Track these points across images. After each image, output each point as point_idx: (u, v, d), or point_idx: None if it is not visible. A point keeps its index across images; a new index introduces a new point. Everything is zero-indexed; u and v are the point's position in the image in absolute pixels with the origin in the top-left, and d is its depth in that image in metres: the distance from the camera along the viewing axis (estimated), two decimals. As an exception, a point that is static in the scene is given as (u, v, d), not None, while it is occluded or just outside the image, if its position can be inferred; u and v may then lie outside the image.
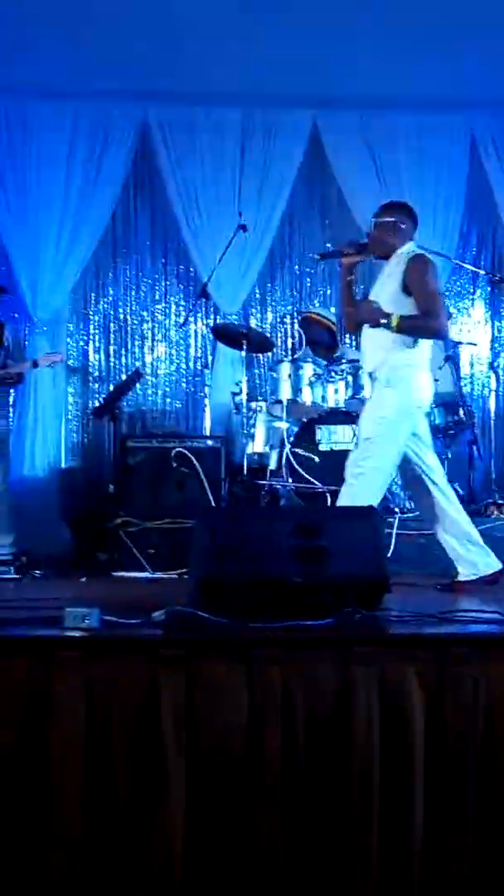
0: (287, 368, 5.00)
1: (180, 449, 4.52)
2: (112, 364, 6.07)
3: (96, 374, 6.05)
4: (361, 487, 3.55)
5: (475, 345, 5.88)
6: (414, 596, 3.35)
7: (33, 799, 2.25)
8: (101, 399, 5.79)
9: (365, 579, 2.60)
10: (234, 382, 5.37)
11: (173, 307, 6.08)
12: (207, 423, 5.48)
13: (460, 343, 5.73)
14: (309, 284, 6.10)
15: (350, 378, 4.95)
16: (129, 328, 6.07)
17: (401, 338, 3.59)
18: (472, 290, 6.15)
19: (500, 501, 4.86)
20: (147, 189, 5.97)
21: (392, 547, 4.16)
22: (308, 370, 4.97)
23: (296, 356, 5.09)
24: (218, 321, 5.85)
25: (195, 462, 4.50)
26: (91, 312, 6.05)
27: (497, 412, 5.85)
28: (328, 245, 6.10)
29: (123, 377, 5.85)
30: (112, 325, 6.07)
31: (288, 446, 4.79)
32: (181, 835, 2.26)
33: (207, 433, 5.39)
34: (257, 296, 6.07)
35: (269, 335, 5.79)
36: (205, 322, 6.03)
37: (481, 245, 6.09)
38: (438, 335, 3.77)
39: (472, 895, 2.28)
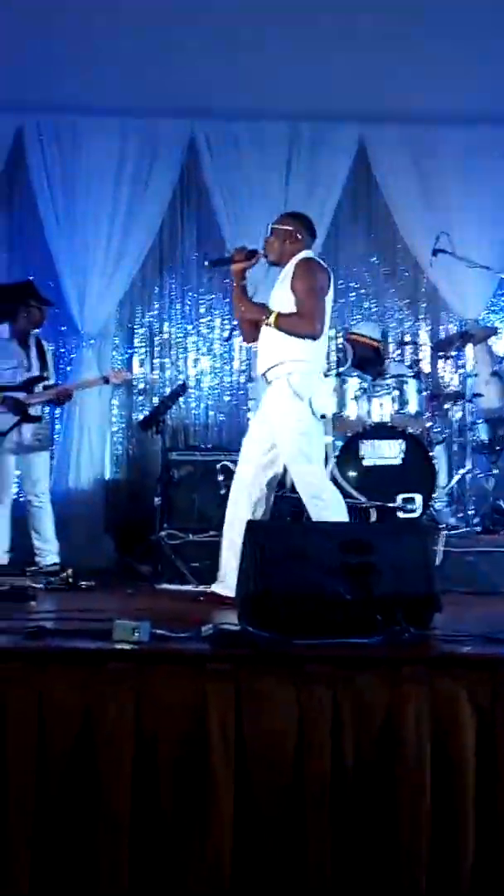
0: (332, 383, 4.98)
1: (226, 462, 4.53)
2: (156, 377, 6.12)
3: (141, 386, 6.11)
4: (328, 500, 3.63)
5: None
6: (463, 614, 3.31)
7: (83, 810, 2.26)
8: (145, 412, 5.84)
9: (415, 597, 2.58)
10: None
11: (217, 321, 6.12)
12: (252, 437, 5.47)
13: (507, 357, 5.67)
14: (353, 298, 6.10)
15: (396, 392, 4.92)
16: (173, 341, 6.12)
17: (299, 345, 3.65)
18: (519, 304, 6.10)
19: (547, 520, 4.79)
20: (193, 203, 6.04)
21: (439, 564, 4.11)
22: (353, 384, 4.95)
23: (341, 370, 5.07)
24: (262, 335, 5.86)
25: (240, 476, 4.49)
26: (136, 326, 6.11)
27: (544, 428, 5.77)
28: (373, 260, 6.12)
29: (167, 390, 5.89)
30: (157, 338, 6.13)
31: (332, 461, 4.77)
32: (229, 849, 2.26)
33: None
34: (302, 310, 6.06)
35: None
36: (249, 337, 6.04)
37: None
38: (308, 333, 3.68)
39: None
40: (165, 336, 6.12)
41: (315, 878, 2.25)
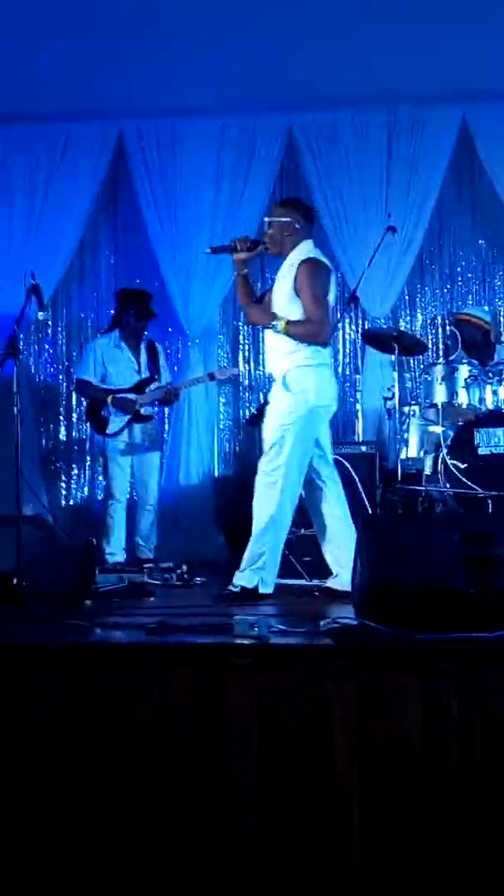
0: (441, 371, 4.85)
1: (336, 455, 4.48)
2: (261, 373, 6.12)
3: (246, 383, 6.13)
4: (280, 499, 3.61)
5: None
6: None
7: (206, 807, 2.28)
8: (252, 408, 5.85)
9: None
10: (385, 387, 5.29)
11: (321, 313, 6.06)
12: (360, 429, 5.42)
13: None
14: (461, 283, 5.94)
15: (509, 378, 4.75)
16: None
17: (306, 346, 3.65)
18: None
19: None
20: (293, 196, 5.98)
21: None
22: (464, 372, 4.81)
23: (450, 358, 4.94)
24: (366, 326, 5.79)
25: (350, 469, 4.45)
26: (241, 323, 6.13)
27: None
28: (481, 242, 5.93)
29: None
30: (261, 334, 6.12)
31: (444, 451, 4.65)
32: (356, 849, 2.23)
33: (359, 439, 5.33)
34: (406, 298, 5.96)
35: (420, 337, 5.67)
36: (353, 327, 5.98)
37: None
38: (318, 340, 3.72)
39: None
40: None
41: (444, 879, 2.19)
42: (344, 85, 5.31)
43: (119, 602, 3.49)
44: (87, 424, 5.51)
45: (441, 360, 5.10)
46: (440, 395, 4.82)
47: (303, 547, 4.43)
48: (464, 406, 4.78)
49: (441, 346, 5.85)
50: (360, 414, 5.46)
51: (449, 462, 4.59)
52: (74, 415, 6.09)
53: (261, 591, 3.60)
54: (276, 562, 3.70)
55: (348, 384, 5.90)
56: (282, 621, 2.55)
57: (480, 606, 2.45)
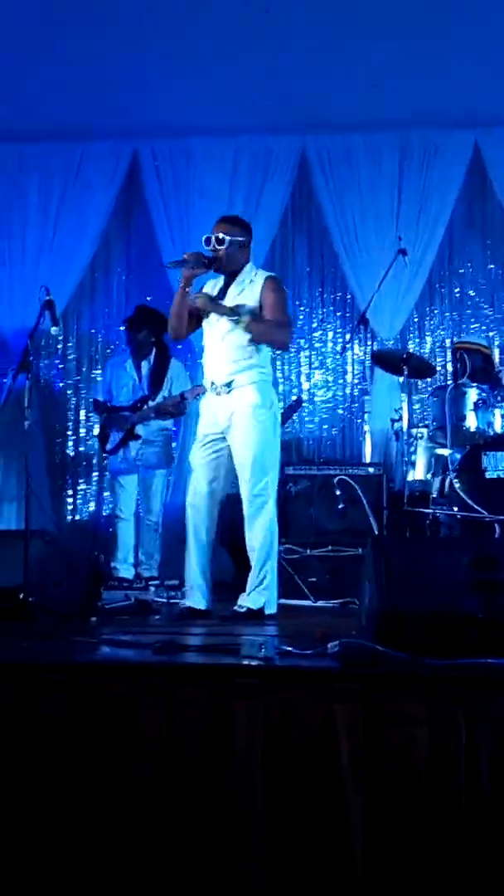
0: (450, 394, 4.86)
1: (343, 476, 4.49)
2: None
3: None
4: (273, 516, 3.68)
5: None
6: None
7: (212, 826, 2.26)
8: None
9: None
10: (392, 409, 5.29)
11: (330, 334, 6.09)
12: (367, 451, 5.42)
13: None
14: (470, 307, 5.96)
15: (518, 402, 4.76)
16: (286, 356, 6.13)
17: (257, 351, 3.74)
18: None
19: None
20: (305, 218, 6.05)
21: None
22: (472, 395, 4.81)
23: (459, 381, 4.94)
24: (375, 347, 5.81)
25: (357, 489, 4.45)
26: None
27: None
28: (491, 266, 5.96)
29: (281, 405, 5.89)
30: (270, 353, 6.14)
31: (452, 474, 4.65)
32: (360, 874, 2.21)
33: (366, 461, 5.33)
34: (415, 320, 5.98)
35: (428, 360, 5.68)
36: (362, 348, 6.00)
37: None
38: (286, 343, 4.04)
39: None
40: (279, 351, 6.13)
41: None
42: (357, 108, 5.37)
43: (125, 620, 3.48)
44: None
45: (450, 382, 5.10)
46: (448, 417, 4.82)
47: (308, 567, 4.44)
48: (472, 429, 4.77)
49: (450, 370, 5.86)
50: (367, 435, 5.46)
51: (456, 485, 4.58)
52: (83, 429, 6.11)
53: (266, 612, 3.60)
54: (276, 581, 3.71)
55: (356, 405, 5.92)
56: (289, 643, 2.54)
57: (489, 631, 2.44)
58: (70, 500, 6.09)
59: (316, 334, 6.11)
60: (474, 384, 4.93)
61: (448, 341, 5.96)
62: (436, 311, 6.01)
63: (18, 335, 5.36)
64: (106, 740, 2.29)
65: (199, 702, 2.29)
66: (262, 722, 2.28)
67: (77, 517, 6.06)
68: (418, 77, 4.97)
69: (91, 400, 5.57)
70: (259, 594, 3.60)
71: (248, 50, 4.86)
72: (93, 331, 6.16)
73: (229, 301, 3.79)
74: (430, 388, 5.60)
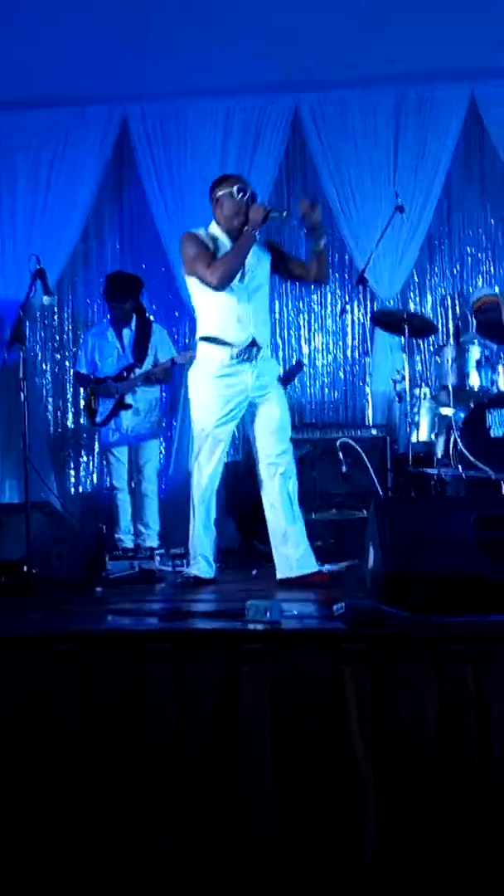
0: (451, 352, 4.80)
1: (346, 439, 4.44)
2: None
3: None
4: (294, 479, 3.66)
5: None
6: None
7: (222, 790, 2.26)
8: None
9: None
10: (394, 370, 5.24)
11: (329, 297, 6.01)
12: (369, 413, 5.37)
13: None
14: (471, 263, 5.87)
15: (522, 359, 4.69)
16: (286, 320, 6.06)
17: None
18: None
19: None
20: (300, 177, 5.93)
21: None
22: (475, 353, 4.75)
23: (461, 339, 4.88)
24: (375, 308, 5.73)
25: (361, 452, 4.41)
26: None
27: None
28: (491, 221, 5.86)
29: (282, 370, 5.84)
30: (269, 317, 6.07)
31: (456, 433, 4.60)
32: (372, 835, 2.20)
33: (369, 423, 5.28)
34: (415, 279, 5.89)
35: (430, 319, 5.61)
36: (362, 309, 5.92)
37: None
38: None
39: None
40: (277, 315, 6.07)
41: (461, 870, 2.17)
42: (350, 64, 5.24)
43: (130, 589, 3.47)
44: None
45: (451, 341, 5.03)
46: (451, 377, 4.76)
47: (312, 531, 4.39)
48: (475, 388, 4.72)
49: (451, 328, 5.79)
50: (369, 397, 5.40)
51: (461, 445, 4.54)
52: (82, 401, 6.07)
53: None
54: None
55: (357, 367, 5.85)
56: (295, 606, 2.52)
57: (497, 590, 2.41)
58: (73, 472, 6.06)
59: (315, 297, 6.02)
60: (477, 342, 4.87)
61: (450, 299, 5.88)
62: (436, 269, 5.91)
63: (11, 306, 5.28)
64: (115, 707, 2.28)
65: (206, 667, 2.28)
66: (269, 686, 2.27)
67: (80, 489, 6.04)
68: (411, 28, 4.83)
69: (73, 373, 5.49)
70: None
71: (237, 8, 4.72)
72: (88, 300, 6.08)
73: (250, 259, 3.67)
74: (432, 348, 5.54)
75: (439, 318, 5.86)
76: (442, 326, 5.78)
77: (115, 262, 6.00)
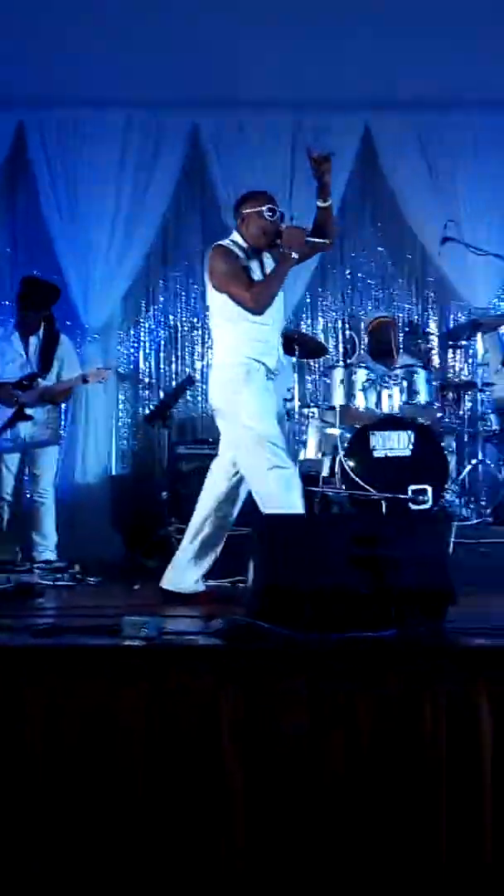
0: (340, 374, 4.92)
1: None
2: (162, 371, 6.07)
3: (147, 380, 6.06)
4: None
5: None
6: (477, 606, 3.25)
7: (96, 807, 2.22)
8: (151, 406, 5.79)
9: (429, 590, 2.52)
10: (285, 388, 5.31)
11: (224, 313, 6.05)
12: (259, 430, 5.42)
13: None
14: (361, 289, 6.04)
15: (405, 383, 4.85)
16: (179, 335, 6.07)
17: None
18: (527, 294, 6.04)
19: None
20: (198, 195, 5.98)
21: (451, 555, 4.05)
22: (361, 375, 4.89)
23: (349, 361, 5.01)
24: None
25: (248, 469, 4.44)
26: (142, 319, 6.06)
27: None
28: (380, 249, 6.05)
29: (174, 384, 5.84)
30: (162, 331, 6.08)
31: (341, 453, 4.71)
32: (242, 848, 2.21)
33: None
34: (307, 301, 6.02)
35: (320, 340, 5.74)
36: (255, 328, 5.99)
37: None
38: None
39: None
40: (171, 329, 6.07)
41: (328, 879, 2.20)
42: (250, 86, 5.32)
43: (4, 603, 3.36)
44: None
45: (340, 363, 5.17)
46: (338, 397, 4.89)
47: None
48: (361, 409, 4.86)
49: (341, 350, 5.94)
50: (259, 415, 5.45)
51: (346, 464, 4.65)
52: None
53: None
54: None
55: (249, 384, 5.90)
56: (172, 622, 2.51)
57: (371, 606, 2.47)
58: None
59: (209, 312, 6.05)
60: (363, 364, 5.01)
61: (340, 322, 6.03)
62: (328, 293, 6.06)
63: None
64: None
65: (81, 684, 2.24)
66: (144, 702, 2.25)
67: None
68: (310, 54, 4.96)
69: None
70: None
71: (139, 22, 4.73)
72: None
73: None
74: (322, 368, 5.67)
75: (329, 340, 6.00)
76: (332, 348, 5.92)
77: (4, 266, 5.87)
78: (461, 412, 5.23)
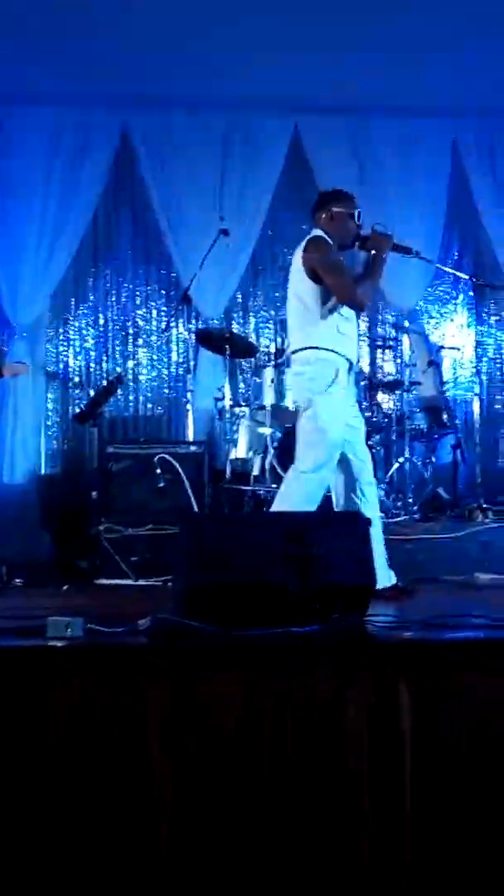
0: (270, 373, 4.96)
1: (163, 455, 4.47)
2: (92, 370, 6.01)
3: (76, 379, 6.00)
4: None
5: (458, 349, 5.90)
6: (402, 601, 3.32)
7: (24, 812, 2.20)
8: (81, 405, 5.73)
9: (352, 585, 2.56)
10: (216, 388, 5.33)
11: (154, 312, 6.05)
12: (190, 429, 5.43)
13: (443, 347, 5.74)
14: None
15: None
16: (109, 333, 6.03)
17: None
18: (454, 295, 6.17)
19: (485, 506, 4.85)
20: (128, 194, 5.95)
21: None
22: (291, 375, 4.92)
23: (279, 361, 5.05)
24: (200, 326, 5.82)
25: (178, 468, 4.45)
26: (71, 318, 6.00)
27: (480, 416, 5.86)
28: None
29: (104, 383, 5.80)
30: (92, 330, 6.03)
31: (272, 452, 4.75)
32: (168, 846, 2.22)
33: (190, 439, 5.34)
34: (239, 301, 6.04)
35: (251, 340, 5.77)
36: (186, 327, 5.99)
37: (463, 250, 6.13)
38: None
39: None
40: (101, 328, 6.03)
41: (257, 875, 2.23)
42: (181, 85, 5.31)
43: None
44: None
45: (271, 363, 5.21)
46: (269, 397, 4.93)
47: (129, 547, 4.39)
48: (291, 409, 4.89)
49: (272, 350, 5.98)
50: (190, 414, 5.47)
51: (275, 463, 4.69)
52: None
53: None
54: None
55: (179, 384, 5.91)
56: (98, 621, 2.49)
57: (295, 603, 2.50)
58: None
59: (140, 312, 6.04)
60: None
61: (271, 323, 6.07)
62: (259, 292, 6.09)
63: None
64: None
65: (6, 686, 2.21)
66: (70, 703, 2.23)
67: None
68: (243, 53, 4.97)
69: None
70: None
71: (65, 15, 4.67)
72: None
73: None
74: (253, 368, 5.70)
75: (261, 339, 6.03)
76: (264, 348, 5.96)
77: None
78: (388, 411, 5.33)
